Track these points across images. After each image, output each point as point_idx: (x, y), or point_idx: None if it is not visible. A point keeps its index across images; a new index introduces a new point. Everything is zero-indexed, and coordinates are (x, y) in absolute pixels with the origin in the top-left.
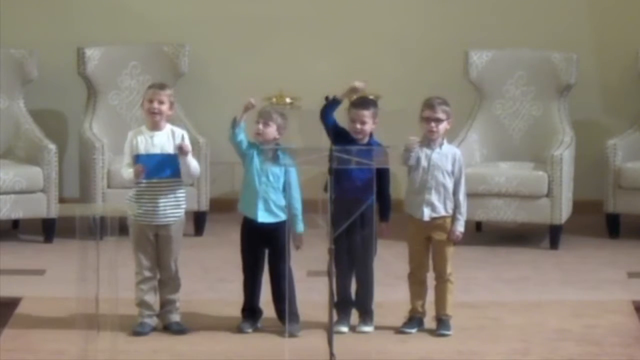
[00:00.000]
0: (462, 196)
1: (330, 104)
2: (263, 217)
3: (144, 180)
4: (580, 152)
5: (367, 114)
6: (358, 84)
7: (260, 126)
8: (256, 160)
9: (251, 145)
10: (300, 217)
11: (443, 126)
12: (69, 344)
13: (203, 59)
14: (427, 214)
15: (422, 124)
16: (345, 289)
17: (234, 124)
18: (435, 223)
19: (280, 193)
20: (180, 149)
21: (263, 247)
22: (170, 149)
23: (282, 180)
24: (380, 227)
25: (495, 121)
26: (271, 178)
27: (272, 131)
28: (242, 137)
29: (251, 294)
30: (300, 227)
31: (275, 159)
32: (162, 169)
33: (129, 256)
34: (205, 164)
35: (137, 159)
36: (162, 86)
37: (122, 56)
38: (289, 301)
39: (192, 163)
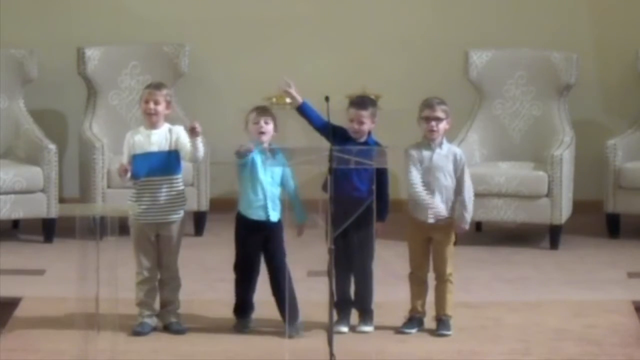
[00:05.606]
0: (466, 194)
1: (302, 112)
2: (275, 216)
3: (143, 179)
4: (580, 152)
5: (365, 114)
6: (286, 81)
7: (262, 123)
8: (259, 162)
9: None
10: (301, 207)
11: (443, 125)
12: (69, 344)
13: (203, 59)
14: (431, 216)
15: (421, 124)
16: (344, 289)
17: (239, 156)
18: (436, 224)
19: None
20: (192, 130)
21: (259, 246)
22: (167, 147)
23: (278, 178)
24: (375, 227)
25: (495, 121)
26: (275, 177)
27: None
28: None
29: (245, 293)
30: (302, 217)
31: (276, 159)
32: (160, 167)
33: (129, 256)
34: (205, 164)
35: (134, 158)
36: (158, 86)
37: (122, 56)
38: (289, 299)
39: (200, 145)
